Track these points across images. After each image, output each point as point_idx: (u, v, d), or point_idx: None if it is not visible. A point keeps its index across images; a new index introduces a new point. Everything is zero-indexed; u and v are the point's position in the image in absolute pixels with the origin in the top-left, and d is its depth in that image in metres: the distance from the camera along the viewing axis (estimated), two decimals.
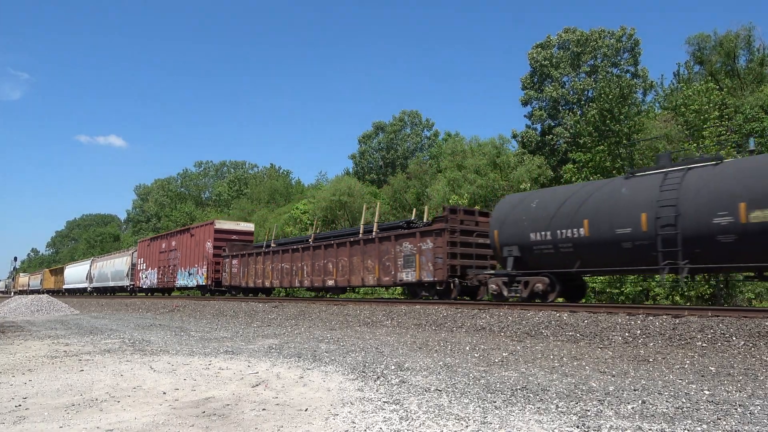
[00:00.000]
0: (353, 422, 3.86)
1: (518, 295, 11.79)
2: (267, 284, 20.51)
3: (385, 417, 3.98)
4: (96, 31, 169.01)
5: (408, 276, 14.74)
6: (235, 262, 22.21)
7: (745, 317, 7.84)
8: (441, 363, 6.29)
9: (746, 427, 3.59)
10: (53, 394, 4.95)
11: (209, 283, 23.75)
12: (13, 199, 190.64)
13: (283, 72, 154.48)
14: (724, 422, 3.70)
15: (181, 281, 25.89)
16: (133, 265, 32.15)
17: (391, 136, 46.84)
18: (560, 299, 12.18)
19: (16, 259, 71.66)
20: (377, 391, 4.85)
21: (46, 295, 24.46)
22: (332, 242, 17.44)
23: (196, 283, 24.80)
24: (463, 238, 13.95)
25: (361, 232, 17.28)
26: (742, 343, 6.86)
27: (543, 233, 11.24)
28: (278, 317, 13.68)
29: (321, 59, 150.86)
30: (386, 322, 11.25)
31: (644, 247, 9.69)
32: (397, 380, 5.30)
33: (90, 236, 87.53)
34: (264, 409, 4.29)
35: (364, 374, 5.66)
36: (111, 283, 35.98)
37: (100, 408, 4.43)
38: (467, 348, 7.49)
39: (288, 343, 8.62)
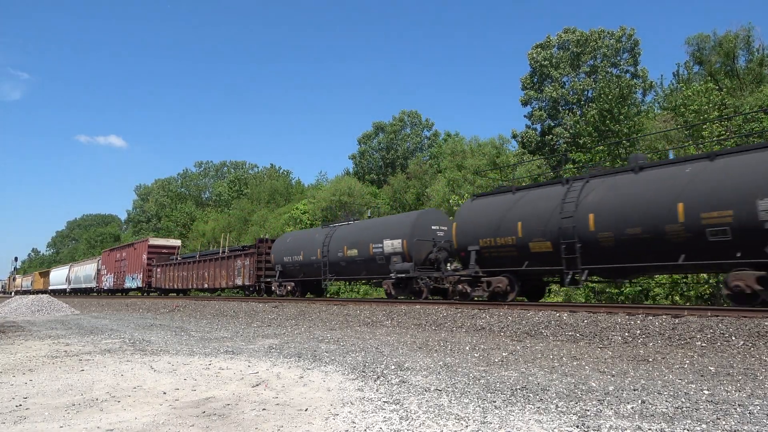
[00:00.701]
0: (353, 422, 3.86)
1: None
2: (176, 286, 28.46)
3: (385, 417, 3.98)
4: (96, 31, 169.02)
5: (239, 281, 22.74)
6: (158, 270, 30.51)
7: (745, 317, 7.84)
8: (441, 363, 6.30)
9: (746, 427, 3.59)
10: (54, 394, 4.95)
11: (144, 285, 31.74)
12: (14, 199, 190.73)
13: (284, 72, 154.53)
14: (724, 422, 3.70)
15: (128, 284, 33.93)
16: (98, 271, 39.41)
17: (391, 137, 46.83)
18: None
19: (16, 259, 71.84)
20: (377, 391, 4.85)
21: (47, 295, 24.51)
22: (207, 259, 25.79)
23: (136, 285, 32.53)
24: (266, 257, 21.59)
25: (221, 252, 25.18)
26: (742, 342, 6.86)
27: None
28: (278, 317, 13.68)
29: (321, 60, 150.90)
30: (386, 322, 11.24)
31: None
32: (397, 380, 5.30)
33: (90, 236, 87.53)
34: (264, 409, 4.30)
35: (364, 374, 5.66)
36: (83, 285, 42.86)
37: (100, 408, 4.43)
38: (467, 348, 7.49)
39: (288, 343, 8.62)
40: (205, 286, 25.34)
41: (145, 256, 32.04)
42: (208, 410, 4.30)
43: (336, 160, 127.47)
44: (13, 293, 57.50)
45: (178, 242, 35.28)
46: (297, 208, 37.74)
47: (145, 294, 31.90)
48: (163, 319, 15.48)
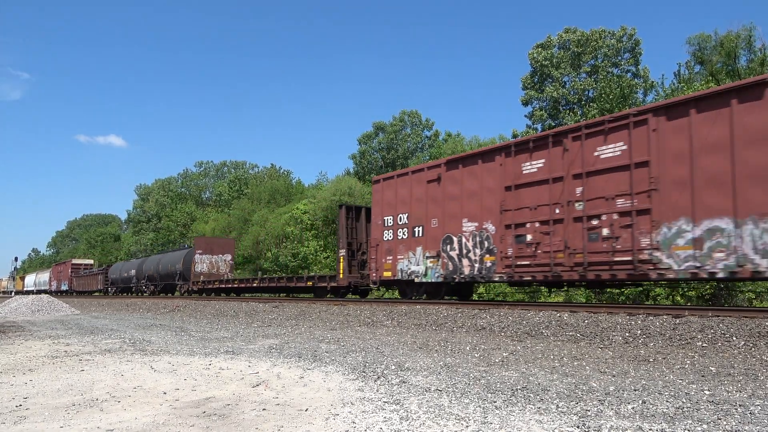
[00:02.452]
0: (353, 422, 3.86)
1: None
2: (81, 289, 48.11)
3: (385, 417, 3.98)
4: (96, 30, 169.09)
5: (99, 286, 38.71)
6: (75, 279, 50.73)
7: (746, 317, 7.84)
8: (441, 363, 6.30)
9: (747, 427, 3.59)
10: (54, 394, 4.96)
11: (69, 288, 51.16)
12: (15, 199, 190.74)
13: (283, 72, 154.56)
14: (725, 422, 3.70)
15: (63, 287, 53.16)
16: (50, 278, 59.07)
17: (391, 137, 46.85)
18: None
19: (17, 259, 71.74)
20: (377, 391, 4.86)
21: (47, 295, 24.53)
22: (92, 273, 45.66)
23: (66, 288, 52.02)
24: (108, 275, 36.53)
25: (96, 270, 43.04)
26: (743, 343, 6.86)
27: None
28: (278, 317, 13.68)
29: (320, 59, 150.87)
30: (386, 322, 11.25)
31: None
32: (397, 380, 5.31)
33: (90, 236, 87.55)
34: (264, 409, 4.30)
35: (364, 374, 5.66)
36: (43, 288, 61.05)
37: (100, 408, 4.43)
38: (467, 348, 7.49)
39: (288, 343, 8.63)
40: (87, 288, 46.67)
41: (69, 270, 52.44)
42: (209, 410, 4.30)
43: (336, 160, 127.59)
44: (13, 293, 60.12)
45: (90, 261, 57.59)
46: (297, 208, 37.78)
47: (144, 294, 34.49)
48: (163, 319, 15.49)
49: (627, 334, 7.83)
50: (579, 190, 10.47)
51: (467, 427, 3.71)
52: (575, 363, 6.19)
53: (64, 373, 6.09)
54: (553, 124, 33.98)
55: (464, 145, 33.92)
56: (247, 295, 25.11)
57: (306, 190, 48.35)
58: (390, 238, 14.92)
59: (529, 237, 11.37)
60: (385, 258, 15.04)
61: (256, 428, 3.79)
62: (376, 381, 5.31)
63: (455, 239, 13.04)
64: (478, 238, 12.49)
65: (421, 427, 3.73)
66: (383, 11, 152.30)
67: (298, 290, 21.65)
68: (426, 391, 4.82)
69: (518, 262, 11.48)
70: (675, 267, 9.07)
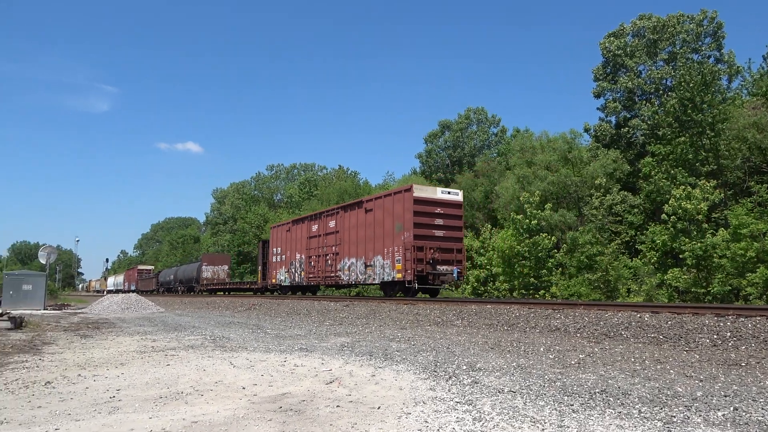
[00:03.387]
0: (426, 421, 3.85)
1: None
2: (145, 289, 58.19)
3: (458, 417, 3.94)
4: (174, 42, 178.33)
5: (153, 287, 55.14)
6: (139, 281, 63.20)
7: None
8: (514, 364, 6.16)
9: None
10: (143, 387, 5.27)
11: (136, 288, 62.27)
12: (105, 205, 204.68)
13: (350, 74, 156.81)
14: None
15: (132, 288, 64.83)
16: (123, 280, 72.09)
17: (457, 134, 46.41)
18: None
19: (107, 260, 77.08)
20: (449, 391, 4.82)
21: (135, 293, 26.20)
22: (149, 276, 60.95)
23: (132, 288, 63.84)
24: (157, 278, 54.91)
25: (152, 273, 60.76)
26: None
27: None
28: (349, 316, 13.89)
29: (386, 60, 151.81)
30: (457, 322, 11.15)
31: None
32: (469, 380, 5.24)
33: (172, 238, 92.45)
34: (338, 406, 4.37)
35: (435, 374, 5.64)
36: (120, 287, 71.97)
37: (185, 401, 4.66)
38: (541, 349, 7.29)
39: (359, 341, 8.73)
40: (147, 288, 57.73)
41: (136, 274, 66.19)
42: (285, 405, 4.43)
43: (403, 159, 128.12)
44: (105, 292, 66.65)
45: (151, 267, 70.94)
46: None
47: (224, 294, 37.78)
48: (240, 317, 16.10)
49: (715, 337, 7.34)
50: (323, 241, 21.78)
51: (543, 430, 3.61)
52: (658, 366, 5.87)
53: (151, 367, 6.46)
54: (628, 116, 32.47)
55: (533, 140, 33.02)
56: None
57: (373, 190, 48.78)
58: (275, 261, 26.61)
59: (312, 263, 22.71)
60: (274, 271, 26.62)
61: (331, 424, 3.86)
62: (447, 381, 5.27)
63: (295, 262, 24.38)
64: (298, 263, 23.97)
65: (495, 428, 3.66)
66: (448, 8, 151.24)
67: (242, 290, 35.52)
68: (499, 392, 4.73)
69: (309, 275, 22.88)
70: (345, 279, 20.09)
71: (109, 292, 74.43)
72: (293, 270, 24.41)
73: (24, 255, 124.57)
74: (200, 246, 78.19)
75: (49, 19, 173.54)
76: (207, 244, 72.28)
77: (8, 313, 13.05)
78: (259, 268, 30.22)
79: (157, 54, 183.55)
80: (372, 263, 18.45)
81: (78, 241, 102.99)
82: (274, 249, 26.76)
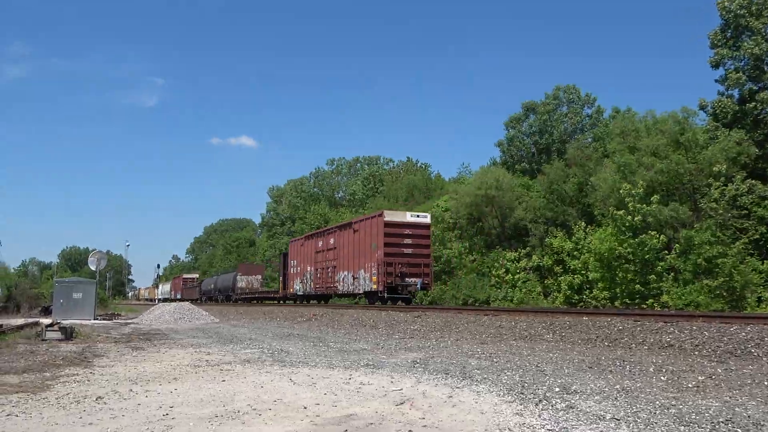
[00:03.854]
0: None
1: None
2: (187, 297, 63.22)
3: None
4: (222, 34, 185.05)
5: (195, 295, 64.89)
6: (184, 290, 69.99)
7: None
8: (618, 386, 5.94)
9: None
10: (197, 405, 5.49)
11: (181, 296, 67.80)
12: (155, 206, 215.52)
13: (416, 56, 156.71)
14: None
15: (177, 296, 70.64)
16: (171, 288, 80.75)
17: (544, 117, 45.28)
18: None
19: (159, 266, 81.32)
20: (539, 416, 4.70)
21: (187, 302, 27.57)
22: (191, 285, 70.40)
23: (179, 297, 68.51)
24: (201, 286, 66.11)
25: (196, 282, 71.00)
26: None
27: None
28: (421, 328, 13.90)
29: (458, 35, 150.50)
30: (547, 336, 10.91)
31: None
32: (563, 404, 5.10)
33: (226, 242, 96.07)
34: (410, 431, 4.36)
35: (522, 396, 5.53)
36: (167, 296, 78.79)
37: (242, 420, 4.81)
38: (651, 369, 6.99)
39: (433, 357, 8.71)
40: (190, 297, 62.75)
41: (181, 283, 73.82)
42: (351, 428, 4.47)
43: (480, 149, 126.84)
44: (157, 301, 70.80)
45: (195, 275, 78.75)
46: (438, 206, 38.06)
47: (281, 302, 39.00)
48: (301, 328, 16.49)
49: None
50: (326, 255, 27.86)
51: None
52: None
53: (206, 383, 6.72)
54: (754, 88, 30.55)
55: (636, 122, 31.73)
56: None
57: (446, 184, 48.60)
58: (292, 272, 33.14)
59: (319, 274, 28.72)
60: (291, 281, 33.06)
61: None
62: (537, 404, 5.15)
63: (307, 274, 30.64)
64: (309, 274, 30.26)
65: None
66: None
67: (269, 298, 43.16)
68: (599, 419, 4.57)
69: (317, 285, 28.98)
70: (341, 289, 26.37)
71: (161, 300, 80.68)
72: (305, 280, 31.21)
73: (74, 261, 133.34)
74: (256, 250, 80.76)
75: (100, 12, 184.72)
76: (263, 248, 74.43)
77: (59, 323, 14.00)
78: (281, 278, 37.86)
79: (206, 44, 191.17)
80: (357, 276, 24.76)
81: (128, 245, 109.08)
82: (292, 261, 33.77)
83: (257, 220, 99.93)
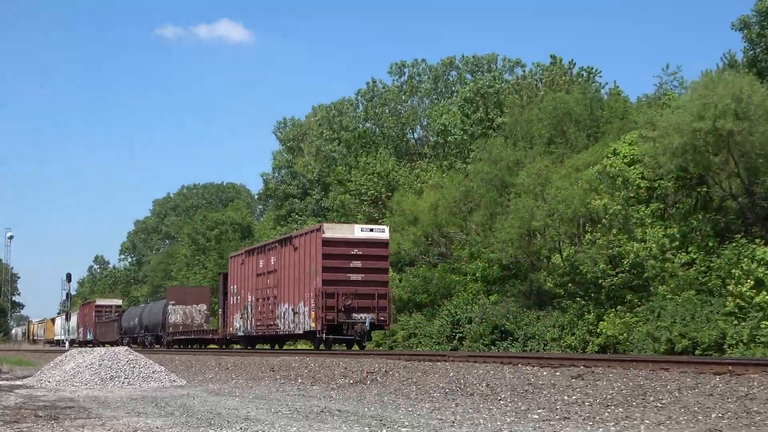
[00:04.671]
0: None
1: None
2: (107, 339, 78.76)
3: None
4: None
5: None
6: (98, 324, 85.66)
7: None
8: None
9: None
10: None
11: (94, 337, 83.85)
12: (62, 169, 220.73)
13: None
14: None
15: (88, 336, 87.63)
16: (77, 323, 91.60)
17: None
18: None
19: (69, 278, 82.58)
20: None
21: (125, 348, 27.58)
22: (110, 319, 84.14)
23: (91, 337, 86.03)
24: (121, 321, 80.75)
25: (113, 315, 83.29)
26: None
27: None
28: (584, 399, 13.71)
29: None
30: None
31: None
32: None
33: (197, 229, 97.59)
34: None
35: None
36: (71, 336, 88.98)
37: None
38: None
39: None
40: (105, 338, 77.52)
41: (94, 314, 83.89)
42: None
43: (702, 40, 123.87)
44: (67, 344, 75.09)
45: (118, 301, 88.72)
46: (617, 153, 37.28)
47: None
48: (344, 397, 16.55)
49: None
50: (266, 280, 37.09)
51: None
52: None
53: None
54: None
55: None
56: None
57: (631, 111, 47.58)
58: (232, 302, 42.66)
59: (260, 307, 38.08)
60: (231, 317, 42.64)
61: None
62: None
63: (248, 306, 39.79)
64: (250, 306, 39.31)
65: None
66: None
67: (205, 340, 57.17)
68: None
69: (258, 322, 38.46)
70: (282, 328, 35.76)
71: (67, 343, 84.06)
72: (246, 315, 38.25)
73: None
74: (253, 241, 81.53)
75: None
76: (268, 235, 74.52)
77: None
78: (220, 310, 46.20)
79: None
80: (298, 310, 31.07)
81: (11, 237, 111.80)
82: (231, 287, 41.76)
83: (254, 187, 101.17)
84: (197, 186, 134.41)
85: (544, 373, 16.45)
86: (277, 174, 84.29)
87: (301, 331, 30.80)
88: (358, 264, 29.13)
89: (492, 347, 35.20)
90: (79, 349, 34.58)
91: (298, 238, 31.57)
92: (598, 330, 31.67)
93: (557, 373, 16.25)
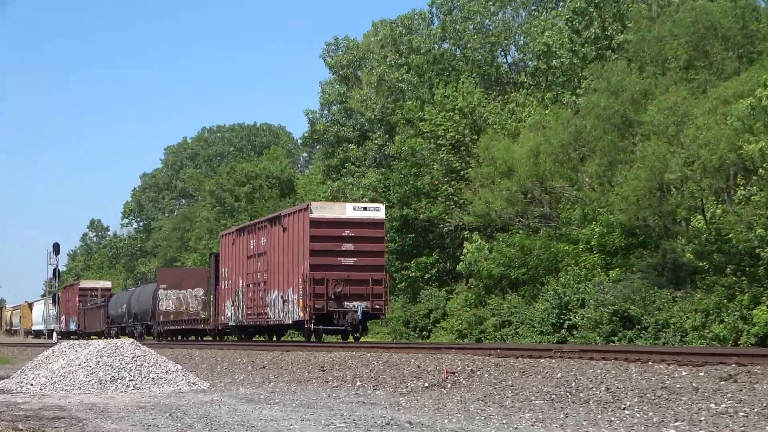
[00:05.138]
0: None
1: None
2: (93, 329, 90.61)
3: None
4: None
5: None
6: (83, 311, 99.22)
7: None
8: None
9: None
10: None
11: (78, 327, 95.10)
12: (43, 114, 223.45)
13: None
14: None
15: (71, 327, 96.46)
16: (58, 311, 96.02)
17: None
18: None
19: (58, 249, 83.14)
20: None
21: (130, 341, 27.57)
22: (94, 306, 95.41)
23: (74, 327, 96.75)
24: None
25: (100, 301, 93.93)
26: None
27: None
28: (739, 407, 13.60)
29: None
30: None
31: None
32: None
33: (221, 183, 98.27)
34: None
35: None
36: (52, 326, 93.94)
37: None
38: None
39: None
40: (92, 328, 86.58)
41: (77, 298, 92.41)
42: None
43: None
44: (54, 336, 75.53)
45: (106, 284, 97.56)
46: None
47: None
48: (417, 405, 16.59)
49: None
50: (257, 264, 42.70)
51: None
52: None
53: None
54: None
55: None
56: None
57: None
58: (223, 287, 49.78)
59: (251, 294, 43.89)
60: (222, 304, 49.87)
61: None
62: None
63: (239, 292, 46.07)
64: (241, 293, 45.32)
65: None
66: None
67: (196, 331, 64.67)
68: None
69: (248, 311, 44.21)
70: (272, 318, 42.08)
71: (46, 333, 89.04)
72: (237, 302, 43.00)
73: None
74: (296, 200, 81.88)
75: None
76: (315, 192, 74.90)
77: None
78: (211, 297, 51.64)
79: None
80: (287, 297, 35.38)
81: None
82: (223, 270, 47.07)
83: (297, 130, 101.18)
84: (222, 128, 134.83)
85: (684, 374, 16.32)
86: (326, 112, 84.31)
87: (290, 321, 34.83)
88: (350, 246, 33.25)
89: (612, 339, 35.09)
90: (71, 342, 34.75)
91: (287, 217, 35.74)
92: (754, 317, 31.28)
93: (701, 374, 16.11)
